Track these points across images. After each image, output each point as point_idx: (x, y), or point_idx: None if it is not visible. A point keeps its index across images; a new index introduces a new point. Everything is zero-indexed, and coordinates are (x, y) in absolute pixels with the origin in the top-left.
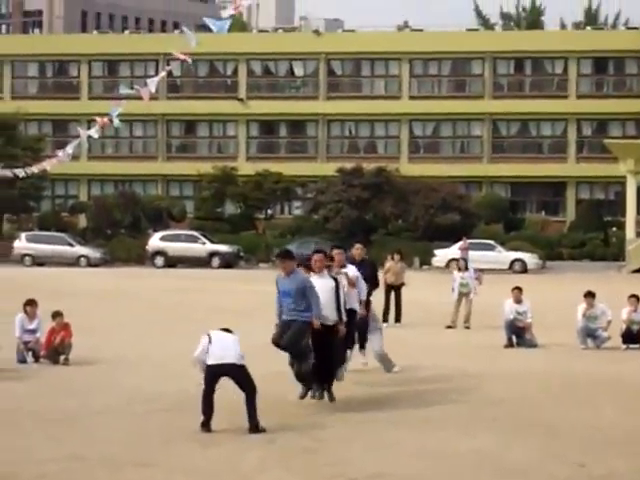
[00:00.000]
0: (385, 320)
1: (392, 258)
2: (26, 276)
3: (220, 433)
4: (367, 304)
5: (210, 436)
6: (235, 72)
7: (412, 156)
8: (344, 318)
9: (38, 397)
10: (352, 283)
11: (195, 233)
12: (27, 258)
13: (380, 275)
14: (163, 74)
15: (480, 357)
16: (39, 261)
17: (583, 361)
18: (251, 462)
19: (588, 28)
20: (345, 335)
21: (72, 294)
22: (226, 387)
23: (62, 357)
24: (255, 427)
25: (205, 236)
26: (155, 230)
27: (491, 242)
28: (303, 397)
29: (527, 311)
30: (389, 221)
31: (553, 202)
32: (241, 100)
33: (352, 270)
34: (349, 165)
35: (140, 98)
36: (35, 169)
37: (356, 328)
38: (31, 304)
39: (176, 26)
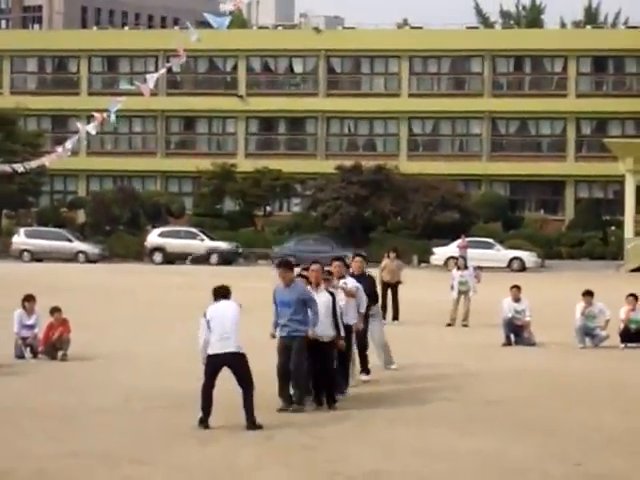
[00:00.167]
0: (382, 318)
1: (388, 256)
2: (24, 271)
3: (218, 430)
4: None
5: (208, 433)
6: (235, 69)
7: (411, 154)
8: (342, 333)
9: (36, 393)
10: (351, 294)
11: (194, 229)
12: (26, 253)
13: (376, 272)
14: (163, 71)
15: (478, 355)
16: (37, 256)
17: (581, 360)
18: (249, 459)
19: (588, 27)
20: (343, 353)
21: (70, 290)
22: (224, 384)
23: (60, 353)
24: (253, 424)
25: (204, 232)
26: (154, 226)
27: (490, 240)
28: (282, 411)
29: (525, 309)
30: (388, 219)
31: (552, 201)
32: (240, 97)
33: (351, 282)
34: (348, 162)
35: (139, 94)
36: (34, 164)
37: (357, 346)
38: (29, 300)
39: (176, 22)
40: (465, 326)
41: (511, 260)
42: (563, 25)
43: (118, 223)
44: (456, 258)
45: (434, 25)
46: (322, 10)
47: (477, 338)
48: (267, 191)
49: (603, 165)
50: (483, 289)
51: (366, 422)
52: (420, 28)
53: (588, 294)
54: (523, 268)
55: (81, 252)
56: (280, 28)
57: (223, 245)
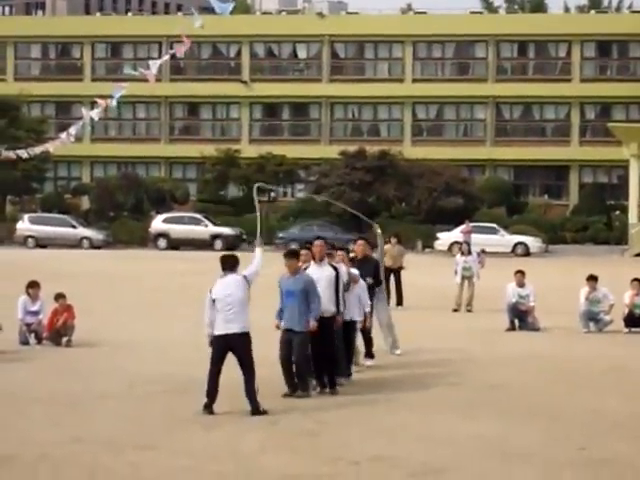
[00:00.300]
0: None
1: (389, 241)
2: (29, 258)
3: (222, 415)
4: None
5: (212, 418)
6: (238, 54)
7: (415, 139)
8: (342, 309)
9: (40, 379)
10: (355, 280)
11: (198, 215)
12: (30, 240)
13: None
14: (167, 57)
15: (482, 340)
16: (42, 243)
17: (585, 345)
18: (253, 444)
19: (592, 11)
20: (346, 346)
21: (75, 276)
22: (229, 371)
23: (64, 339)
24: (257, 409)
25: (208, 218)
26: (158, 212)
27: (494, 225)
28: (286, 396)
29: (529, 295)
30: (392, 204)
31: (556, 186)
32: (244, 82)
33: (353, 272)
34: (352, 148)
35: (143, 80)
36: (38, 150)
37: (363, 337)
38: (33, 286)
39: (179, 8)
40: (469, 311)
41: (515, 245)
42: (567, 10)
43: (122, 209)
44: (460, 243)
45: (438, 10)
46: None
47: (481, 323)
48: (271, 177)
49: (607, 150)
50: (487, 274)
51: (370, 407)
52: (424, 13)
53: (592, 279)
54: (527, 253)
55: (85, 238)
56: (284, 13)
57: (227, 231)
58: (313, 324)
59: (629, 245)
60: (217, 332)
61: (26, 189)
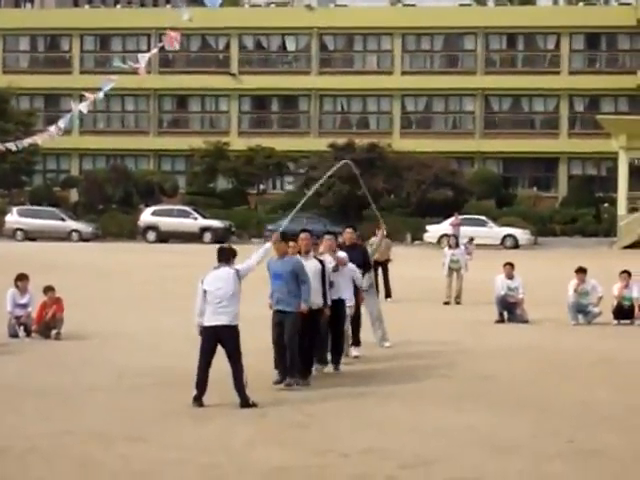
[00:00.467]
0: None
1: (375, 234)
2: (17, 251)
3: (212, 408)
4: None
5: (202, 411)
6: (227, 47)
7: (404, 132)
8: (329, 302)
9: (30, 372)
10: (343, 262)
11: (187, 208)
12: (19, 232)
13: None
14: (155, 51)
15: (471, 332)
16: (31, 236)
17: (574, 337)
18: (242, 437)
19: (580, 4)
20: (335, 326)
21: (64, 269)
22: (218, 363)
23: (54, 332)
24: (246, 402)
25: (197, 211)
26: (147, 205)
27: (483, 218)
28: (278, 383)
29: (518, 287)
30: (381, 197)
31: (545, 178)
32: (233, 75)
33: (341, 254)
34: (341, 140)
35: (133, 73)
36: (26, 143)
37: (350, 323)
38: (22, 279)
39: (168, 0)
40: (458, 303)
41: (504, 237)
42: (556, 2)
43: (111, 202)
44: (449, 236)
45: (427, 2)
46: None
47: (470, 315)
48: (260, 169)
49: (596, 142)
50: (476, 266)
51: (360, 399)
52: (413, 5)
53: (581, 271)
54: (516, 245)
55: (74, 231)
56: (272, 6)
57: (216, 223)
58: (304, 307)
59: (618, 237)
60: (206, 323)
61: (15, 182)
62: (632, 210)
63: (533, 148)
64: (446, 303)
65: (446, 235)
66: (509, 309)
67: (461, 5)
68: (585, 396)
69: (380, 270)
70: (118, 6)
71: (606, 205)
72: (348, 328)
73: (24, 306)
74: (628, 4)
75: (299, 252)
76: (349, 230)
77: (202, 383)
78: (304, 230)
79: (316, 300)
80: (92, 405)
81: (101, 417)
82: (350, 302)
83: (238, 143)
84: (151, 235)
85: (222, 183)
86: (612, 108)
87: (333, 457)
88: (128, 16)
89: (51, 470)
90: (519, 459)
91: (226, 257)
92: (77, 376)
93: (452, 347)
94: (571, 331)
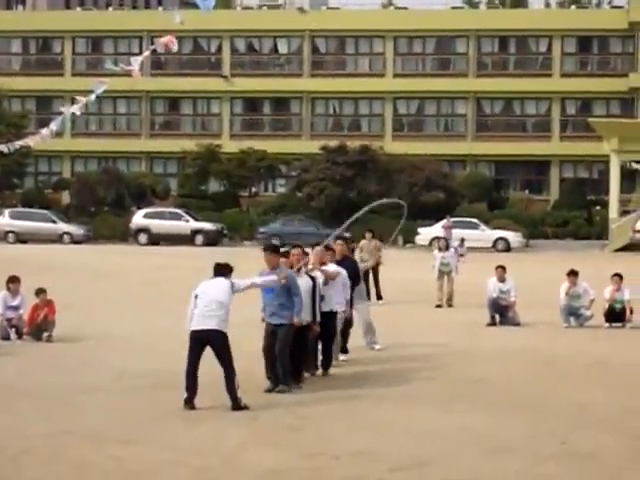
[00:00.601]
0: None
1: (364, 237)
2: (9, 253)
3: (204, 410)
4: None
5: (194, 413)
6: (219, 49)
7: (396, 134)
8: (318, 318)
9: (22, 374)
10: (332, 277)
11: (179, 211)
12: (10, 235)
13: (356, 255)
14: (147, 53)
15: (463, 335)
16: (22, 238)
17: (566, 339)
18: (235, 439)
19: (572, 7)
20: (326, 338)
21: (55, 271)
22: (210, 365)
23: (45, 334)
24: (238, 405)
25: (189, 214)
26: (139, 207)
27: (475, 220)
28: (270, 391)
29: (510, 289)
30: (373, 199)
31: (537, 181)
32: (225, 77)
33: (332, 267)
34: (333, 143)
35: (124, 75)
36: (18, 145)
37: (340, 331)
38: (14, 281)
39: (160, 3)
40: (450, 306)
41: (496, 240)
42: (548, 5)
43: (103, 204)
44: (439, 239)
45: (419, 5)
46: None
47: (462, 318)
48: (252, 172)
49: (588, 145)
50: (468, 269)
51: (353, 402)
52: (405, 8)
53: (573, 274)
54: (508, 248)
55: (66, 233)
56: (264, 8)
57: (208, 226)
58: (297, 320)
59: (609, 240)
60: (193, 327)
61: (6, 184)
62: (624, 213)
63: (525, 151)
64: (438, 306)
65: (438, 238)
66: (501, 312)
67: (453, 8)
68: (580, 398)
69: (370, 272)
70: (110, 8)
71: (598, 208)
72: (338, 336)
73: (15, 308)
74: (620, 7)
75: (291, 267)
76: (340, 242)
77: (192, 384)
78: (295, 246)
79: (305, 317)
80: (87, 406)
81: (96, 418)
82: (342, 307)
83: (230, 145)
84: (143, 237)
85: (214, 185)
86: (604, 111)
87: (325, 459)
88: (120, 18)
89: (45, 471)
90: (514, 460)
91: (221, 273)
92: (72, 377)
93: (445, 349)
94: (563, 334)
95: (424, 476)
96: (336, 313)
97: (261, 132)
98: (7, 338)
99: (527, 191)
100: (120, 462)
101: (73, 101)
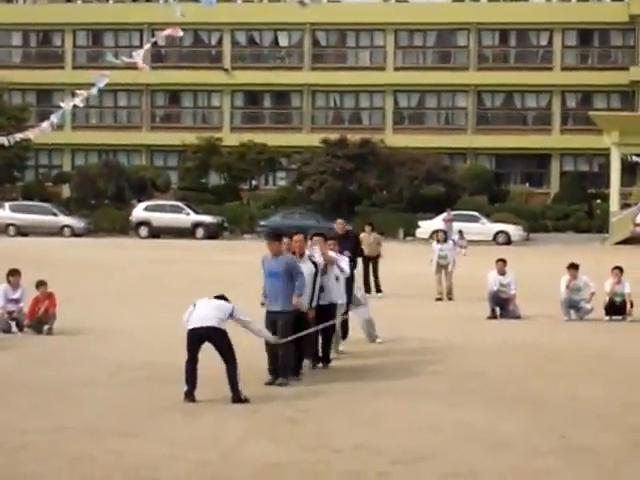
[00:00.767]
0: (367, 292)
1: (364, 230)
2: (9, 246)
3: (204, 403)
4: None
5: (194, 406)
6: (220, 42)
7: (397, 127)
8: (314, 304)
9: (22, 367)
10: (331, 261)
11: (179, 204)
12: (11, 228)
13: None
14: (148, 46)
15: (463, 328)
16: (23, 231)
17: (567, 332)
18: (235, 432)
19: (573, 0)
20: (326, 331)
21: (56, 264)
22: (210, 358)
23: (46, 327)
24: (238, 397)
25: (189, 206)
26: (139, 200)
27: (475, 214)
28: (270, 384)
29: (511, 283)
30: (373, 192)
31: (537, 174)
32: (226, 70)
33: (331, 255)
34: (334, 136)
35: (124, 68)
36: (18, 138)
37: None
38: (14, 274)
39: None
40: (450, 299)
41: (497, 233)
42: None
43: (103, 197)
44: (438, 231)
45: None
46: None
47: (462, 311)
48: (252, 165)
49: (588, 138)
50: (469, 262)
51: (353, 395)
52: (406, 1)
53: (573, 267)
54: (509, 241)
55: (66, 226)
56: (265, 1)
57: (208, 219)
58: (297, 300)
59: (610, 233)
60: (191, 326)
61: (7, 177)
62: (624, 206)
63: (525, 144)
64: (438, 299)
65: (436, 230)
66: (501, 305)
67: (454, 1)
68: (580, 392)
69: (370, 265)
70: (110, 1)
71: (598, 201)
72: (338, 329)
73: (16, 301)
74: (621, 0)
75: (293, 253)
76: (340, 221)
77: (191, 377)
78: (298, 232)
79: (305, 304)
80: (87, 400)
81: (95, 412)
82: (342, 300)
83: (230, 138)
84: (143, 230)
85: (214, 178)
86: (604, 104)
87: (325, 453)
88: (121, 11)
89: (44, 465)
90: (513, 455)
91: (223, 297)
92: (72, 371)
93: (445, 343)
94: (563, 327)
95: (423, 470)
96: (335, 305)
97: (262, 125)
98: (8, 331)
99: (528, 184)
100: (119, 456)
101: (74, 94)
